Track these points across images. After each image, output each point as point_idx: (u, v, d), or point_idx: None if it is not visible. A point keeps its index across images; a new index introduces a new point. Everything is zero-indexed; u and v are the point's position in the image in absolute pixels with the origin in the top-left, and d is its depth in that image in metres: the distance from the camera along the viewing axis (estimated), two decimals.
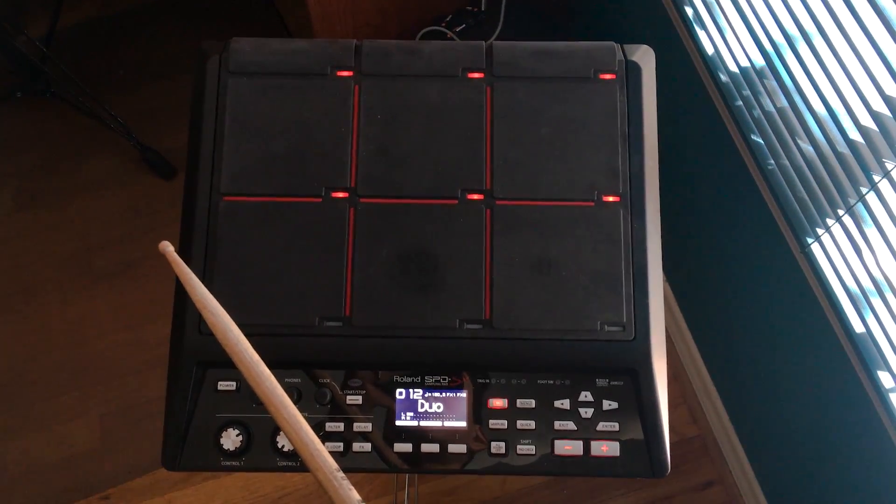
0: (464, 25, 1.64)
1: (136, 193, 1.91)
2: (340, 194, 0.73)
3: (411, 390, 0.70)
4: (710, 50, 1.27)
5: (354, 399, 0.70)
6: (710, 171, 1.39)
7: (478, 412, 0.70)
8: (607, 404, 0.70)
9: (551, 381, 0.70)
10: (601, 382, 0.70)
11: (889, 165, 0.93)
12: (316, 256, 0.71)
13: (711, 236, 1.45)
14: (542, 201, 0.73)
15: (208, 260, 0.71)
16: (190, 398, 0.69)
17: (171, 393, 0.70)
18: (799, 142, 1.10)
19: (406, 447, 0.70)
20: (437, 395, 0.70)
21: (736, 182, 1.28)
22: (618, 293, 0.70)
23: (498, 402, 0.70)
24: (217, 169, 0.73)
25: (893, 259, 0.97)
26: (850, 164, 1.00)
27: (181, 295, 0.71)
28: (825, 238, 1.10)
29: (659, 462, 0.69)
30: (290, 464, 0.69)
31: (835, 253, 1.08)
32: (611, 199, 0.73)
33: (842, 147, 1.01)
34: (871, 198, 0.98)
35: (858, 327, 1.09)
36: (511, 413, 0.70)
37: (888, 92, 0.91)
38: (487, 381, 0.70)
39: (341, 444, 0.69)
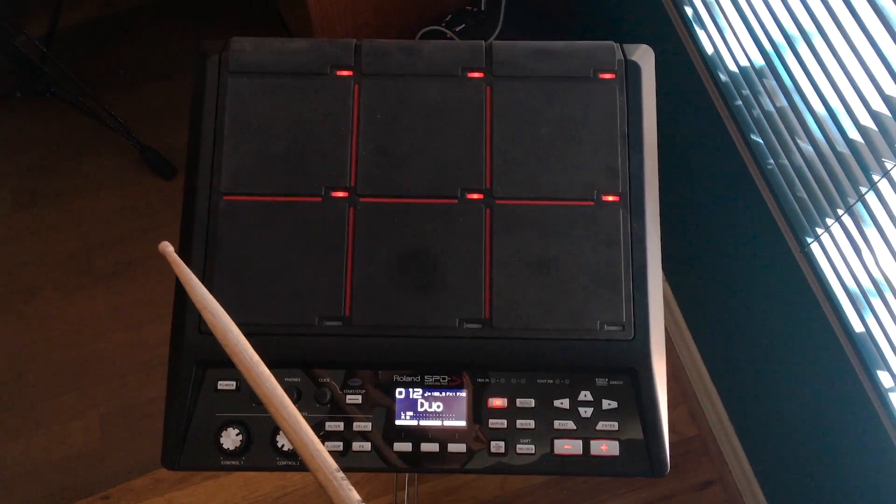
0: (464, 25, 1.63)
1: (136, 193, 1.91)
2: (340, 194, 0.73)
3: (411, 390, 0.70)
4: (709, 50, 1.27)
5: (354, 399, 0.70)
6: (709, 170, 1.39)
7: (477, 412, 0.70)
8: (607, 404, 0.70)
9: (551, 381, 0.70)
10: (601, 382, 0.70)
11: (888, 165, 0.93)
12: (316, 256, 0.71)
13: (711, 236, 1.45)
14: (541, 201, 0.73)
15: (208, 260, 0.71)
16: (190, 398, 0.69)
17: (171, 393, 0.70)
18: (798, 141, 1.10)
19: (406, 447, 0.70)
20: (436, 394, 0.70)
21: (735, 182, 1.28)
22: (617, 293, 0.70)
23: (497, 402, 0.70)
24: (217, 169, 0.73)
25: (893, 259, 0.97)
26: (850, 163, 1.00)
27: (181, 295, 0.71)
28: (825, 238, 1.10)
29: (658, 461, 0.69)
30: (289, 463, 0.69)
31: (834, 253, 1.08)
32: (610, 198, 0.73)
33: (841, 147, 1.01)
34: (871, 197, 0.98)
35: (858, 327, 1.09)
36: (511, 412, 0.70)
37: (887, 92, 0.91)
38: (487, 380, 0.70)
39: (341, 444, 0.69)
